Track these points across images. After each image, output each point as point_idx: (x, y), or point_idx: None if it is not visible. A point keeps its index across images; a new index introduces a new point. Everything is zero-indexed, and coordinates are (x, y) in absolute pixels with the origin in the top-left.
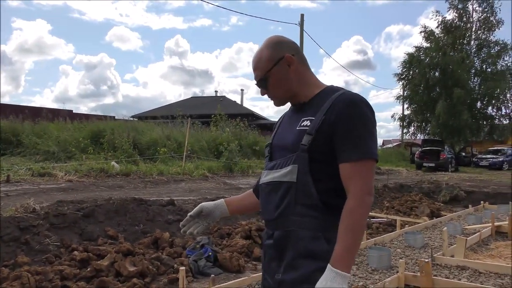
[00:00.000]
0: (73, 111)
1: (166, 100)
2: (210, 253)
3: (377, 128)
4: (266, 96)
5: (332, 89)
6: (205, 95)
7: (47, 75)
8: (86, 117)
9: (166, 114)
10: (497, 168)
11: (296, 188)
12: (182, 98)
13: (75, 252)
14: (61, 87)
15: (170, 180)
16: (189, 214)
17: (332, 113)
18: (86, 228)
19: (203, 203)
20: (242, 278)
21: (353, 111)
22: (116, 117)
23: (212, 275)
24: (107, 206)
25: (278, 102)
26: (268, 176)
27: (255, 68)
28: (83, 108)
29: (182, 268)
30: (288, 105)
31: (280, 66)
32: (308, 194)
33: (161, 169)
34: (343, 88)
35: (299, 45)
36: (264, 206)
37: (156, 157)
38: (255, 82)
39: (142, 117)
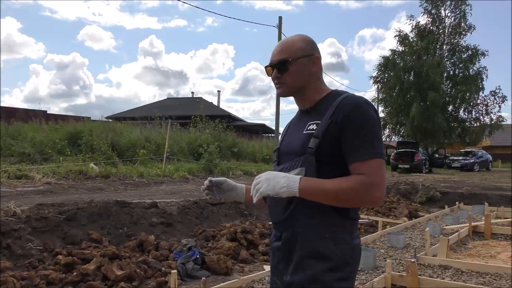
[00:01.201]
0: (47, 112)
1: (140, 101)
2: (197, 256)
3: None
4: (240, 95)
5: (337, 93)
6: (180, 96)
7: (16, 75)
8: (62, 117)
9: (142, 115)
10: (469, 169)
11: None
12: (157, 99)
13: (59, 256)
14: (31, 87)
15: (151, 182)
16: (210, 179)
17: (338, 115)
18: (69, 231)
19: (226, 178)
20: (233, 281)
21: (359, 113)
22: (92, 118)
23: (203, 278)
24: (90, 209)
25: (284, 91)
26: None
27: (281, 51)
28: (55, 108)
29: (174, 271)
30: (289, 112)
31: (307, 60)
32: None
33: (141, 171)
34: (347, 92)
35: None
36: (272, 208)
37: (135, 159)
38: (273, 63)
39: (118, 118)
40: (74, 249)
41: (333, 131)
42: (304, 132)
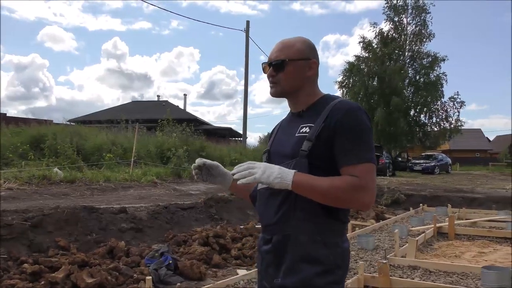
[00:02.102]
0: (7, 115)
1: (104, 104)
2: (170, 261)
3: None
4: (206, 99)
5: (330, 97)
6: (145, 100)
7: None
8: (23, 121)
9: (106, 119)
10: (430, 172)
11: (296, 194)
12: (120, 102)
13: (25, 265)
14: None
15: (118, 187)
16: (204, 161)
17: (331, 120)
18: (35, 239)
19: (219, 164)
20: (207, 286)
21: (353, 118)
22: (54, 121)
23: (178, 284)
24: (56, 215)
25: (277, 91)
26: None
27: (280, 50)
28: (13, 111)
29: (149, 277)
30: (282, 112)
31: (304, 63)
32: (307, 199)
33: (107, 175)
34: (339, 96)
35: (244, 51)
36: (263, 211)
37: (101, 163)
38: (270, 61)
39: (81, 121)
40: (40, 257)
41: (326, 135)
42: (296, 134)
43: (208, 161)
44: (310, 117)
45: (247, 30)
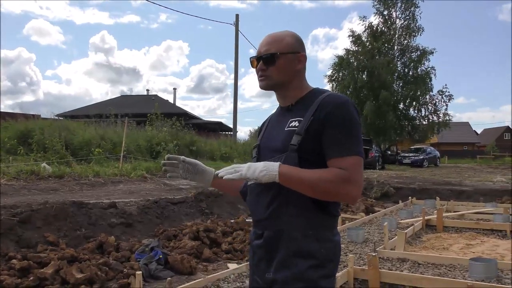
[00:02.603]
0: None
1: (92, 98)
2: (160, 256)
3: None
4: (196, 93)
5: (318, 91)
6: (134, 94)
7: None
8: (10, 115)
9: (95, 113)
10: (418, 165)
11: (287, 189)
12: (109, 97)
13: (14, 261)
14: None
15: (108, 182)
16: (183, 158)
17: (321, 113)
18: (23, 234)
19: (198, 162)
20: (198, 280)
21: (342, 111)
22: (42, 116)
23: (169, 278)
24: (45, 210)
25: (266, 84)
26: None
27: (269, 43)
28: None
29: (139, 272)
30: (271, 106)
31: (293, 57)
32: (299, 194)
33: (97, 170)
34: (328, 90)
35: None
36: (254, 206)
37: (90, 158)
38: (260, 54)
39: (70, 116)
40: (29, 253)
41: (315, 128)
42: (286, 129)
43: (187, 159)
44: (299, 111)
45: (236, 24)
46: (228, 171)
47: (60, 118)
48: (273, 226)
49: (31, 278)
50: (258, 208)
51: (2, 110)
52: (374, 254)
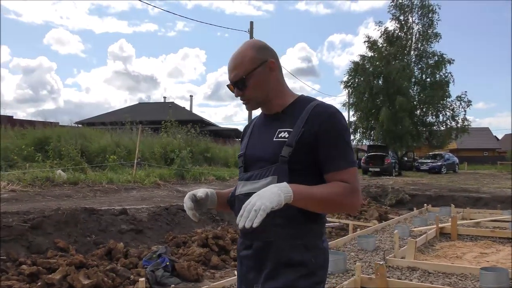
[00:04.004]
0: (13, 117)
1: (110, 106)
2: (167, 263)
3: (350, 137)
4: (212, 100)
5: (305, 99)
6: (152, 101)
7: None
8: (29, 123)
9: (113, 120)
10: (436, 172)
11: None
12: (128, 104)
13: (23, 266)
14: None
15: (121, 189)
16: (198, 195)
17: (312, 125)
18: (34, 240)
19: (205, 189)
20: (203, 287)
21: (334, 124)
22: (61, 124)
23: (173, 285)
24: (56, 216)
25: (251, 106)
26: (245, 187)
27: (234, 68)
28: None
29: (142, 279)
30: (254, 113)
31: (262, 69)
32: (288, 205)
33: (111, 177)
34: (315, 98)
35: None
36: None
37: (105, 165)
38: (231, 83)
39: (88, 123)
40: (39, 259)
41: (307, 141)
42: (274, 139)
43: (201, 193)
44: (287, 120)
45: (251, 31)
46: (250, 217)
47: (78, 125)
48: (262, 237)
49: (39, 283)
50: None
51: (22, 118)
52: (381, 262)
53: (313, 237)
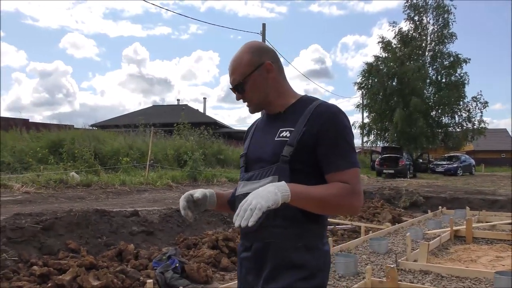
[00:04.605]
0: (29, 120)
1: (125, 109)
2: (177, 265)
3: (353, 138)
4: (226, 103)
5: (308, 99)
6: (166, 104)
7: None
8: (44, 126)
9: (128, 123)
10: (452, 174)
11: None
12: (142, 107)
13: (35, 267)
14: (14, 96)
15: (133, 190)
16: (195, 195)
17: (314, 124)
18: (45, 241)
19: (203, 190)
20: None
21: (336, 123)
22: (75, 126)
23: (181, 287)
24: (68, 218)
25: (253, 109)
26: (246, 187)
27: (233, 72)
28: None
29: (149, 280)
30: (257, 115)
31: (259, 72)
32: (288, 205)
33: (123, 179)
34: (318, 98)
35: None
36: None
37: (118, 167)
38: (231, 86)
39: (102, 126)
40: (50, 260)
41: (308, 140)
42: (276, 139)
43: (197, 194)
44: (289, 120)
45: (263, 33)
46: (246, 216)
47: (94, 128)
48: (262, 238)
49: (49, 284)
50: None
51: (38, 121)
52: (392, 265)
53: (314, 239)
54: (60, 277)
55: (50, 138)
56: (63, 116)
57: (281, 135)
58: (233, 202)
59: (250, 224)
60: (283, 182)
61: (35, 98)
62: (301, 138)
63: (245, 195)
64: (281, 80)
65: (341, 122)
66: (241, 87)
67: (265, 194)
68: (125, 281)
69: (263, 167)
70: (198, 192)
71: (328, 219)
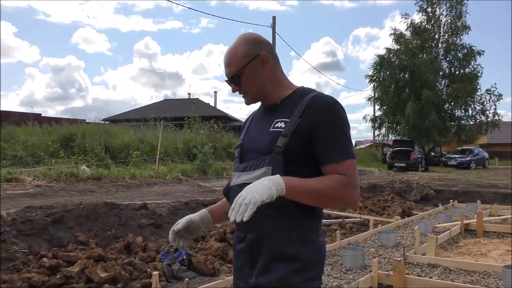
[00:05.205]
0: (42, 115)
1: (137, 103)
2: (184, 257)
3: (349, 129)
4: (237, 97)
5: (304, 90)
6: (177, 98)
7: (12, 78)
8: (56, 120)
9: (139, 117)
10: (465, 167)
11: None
12: (153, 101)
13: (44, 259)
14: (27, 91)
15: (143, 184)
16: (175, 228)
17: (309, 116)
18: (55, 234)
19: (189, 216)
20: (217, 281)
21: (332, 115)
22: (87, 121)
23: (186, 279)
24: (78, 211)
25: (250, 100)
26: (240, 178)
27: (228, 64)
28: (51, 111)
29: (155, 272)
30: (257, 105)
31: (255, 63)
32: (282, 196)
33: (133, 172)
34: (314, 90)
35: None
36: None
37: (128, 161)
38: (227, 78)
39: (114, 120)
40: (60, 252)
41: (303, 131)
42: (270, 129)
43: (177, 227)
44: (284, 111)
45: (273, 26)
46: (240, 211)
47: (105, 122)
48: (255, 229)
49: (58, 276)
50: None
51: (50, 116)
52: (399, 259)
53: (308, 231)
54: (69, 269)
55: (61, 132)
56: (76, 110)
57: (276, 125)
58: (229, 193)
59: (245, 218)
60: (277, 176)
61: (48, 93)
62: (296, 129)
63: (240, 186)
64: (277, 71)
65: (338, 113)
66: (237, 79)
67: (259, 188)
68: (132, 273)
69: (257, 158)
70: (179, 224)
71: (337, 213)
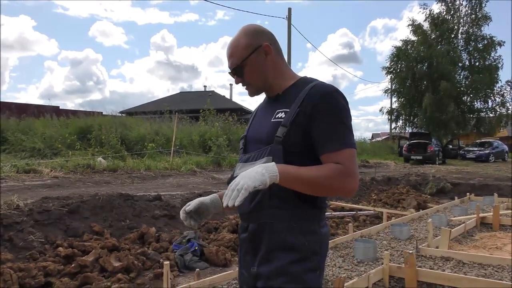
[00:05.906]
0: (60, 107)
1: (153, 96)
2: (196, 248)
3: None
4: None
5: (306, 80)
6: (193, 90)
7: (32, 71)
8: (73, 113)
9: (155, 110)
10: (484, 160)
11: None
12: (170, 93)
13: (60, 248)
14: (46, 84)
15: (158, 175)
16: (186, 209)
17: (307, 105)
18: (71, 224)
19: (200, 198)
20: (227, 272)
21: (330, 103)
22: (104, 113)
23: (197, 269)
24: (93, 201)
25: (253, 92)
26: (242, 169)
27: (230, 55)
28: (70, 104)
29: (167, 262)
30: (262, 96)
31: (257, 54)
32: (282, 187)
33: (148, 164)
34: (316, 79)
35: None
36: None
37: (144, 153)
38: (230, 70)
39: (131, 112)
40: (75, 241)
41: (302, 120)
42: (272, 120)
43: (189, 207)
44: (286, 101)
45: (289, 18)
46: (233, 196)
47: (122, 115)
48: (257, 219)
49: (73, 265)
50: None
51: (69, 108)
52: (411, 251)
53: (310, 221)
54: (83, 258)
55: (78, 124)
56: (94, 103)
57: (277, 116)
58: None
59: (236, 203)
60: (272, 163)
61: (67, 86)
62: (295, 118)
63: None
64: (280, 61)
65: (336, 102)
66: (239, 70)
67: (252, 175)
68: (145, 263)
69: (259, 148)
70: (191, 205)
71: (351, 205)
